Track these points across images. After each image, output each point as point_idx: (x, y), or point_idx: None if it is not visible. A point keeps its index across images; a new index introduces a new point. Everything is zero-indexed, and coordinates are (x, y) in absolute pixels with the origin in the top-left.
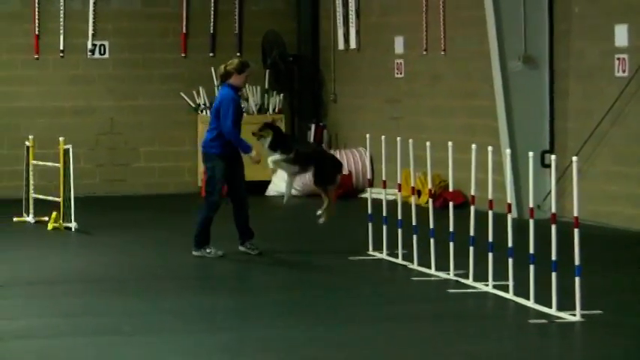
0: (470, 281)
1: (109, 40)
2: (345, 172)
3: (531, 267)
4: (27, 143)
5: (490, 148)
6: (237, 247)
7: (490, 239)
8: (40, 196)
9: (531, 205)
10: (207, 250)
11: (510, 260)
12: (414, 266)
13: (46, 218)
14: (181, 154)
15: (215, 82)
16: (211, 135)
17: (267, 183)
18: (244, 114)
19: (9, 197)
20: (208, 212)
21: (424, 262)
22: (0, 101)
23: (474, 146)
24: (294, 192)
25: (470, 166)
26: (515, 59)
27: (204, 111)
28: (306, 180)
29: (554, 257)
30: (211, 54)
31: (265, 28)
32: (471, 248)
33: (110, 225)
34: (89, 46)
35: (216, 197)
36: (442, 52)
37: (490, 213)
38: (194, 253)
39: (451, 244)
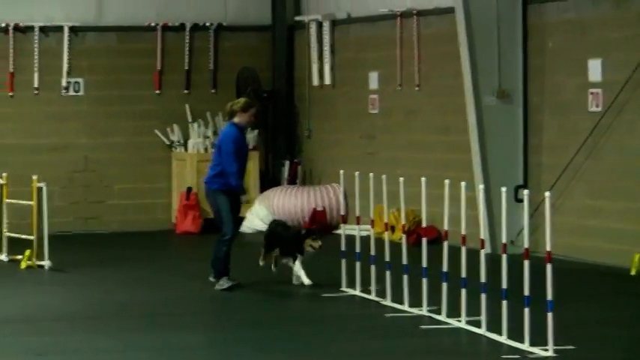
0: (443, 317)
1: (83, 77)
2: (319, 208)
3: (504, 302)
4: (0, 181)
5: (463, 184)
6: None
7: (463, 275)
8: (14, 235)
9: (504, 240)
10: (223, 281)
11: (483, 296)
12: (387, 302)
13: (20, 256)
14: (155, 191)
15: (189, 119)
16: (214, 171)
17: (242, 219)
18: (246, 152)
19: None
20: (224, 246)
21: (397, 298)
22: None
23: (447, 181)
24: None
25: (443, 202)
26: (490, 94)
27: (177, 148)
28: (280, 216)
29: (526, 292)
30: (186, 91)
31: (240, 65)
32: (444, 284)
33: (84, 263)
34: (64, 83)
35: (229, 229)
36: (417, 88)
37: (463, 248)
38: (215, 284)
39: (424, 280)
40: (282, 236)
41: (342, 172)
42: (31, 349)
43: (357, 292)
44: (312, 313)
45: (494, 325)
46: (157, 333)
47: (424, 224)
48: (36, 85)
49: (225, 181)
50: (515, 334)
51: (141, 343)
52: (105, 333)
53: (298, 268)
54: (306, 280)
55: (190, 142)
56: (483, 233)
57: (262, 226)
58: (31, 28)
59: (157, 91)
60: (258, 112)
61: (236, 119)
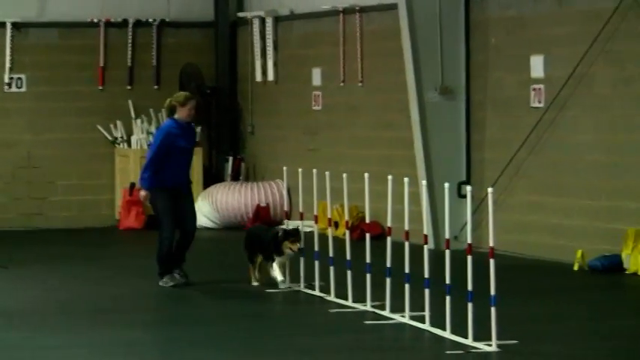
0: (387, 312)
1: (26, 74)
2: (262, 204)
3: (447, 298)
4: None
5: (407, 180)
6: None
7: (407, 270)
8: None
9: (447, 236)
10: (167, 278)
11: (427, 291)
12: (331, 298)
13: None
14: (99, 188)
15: (132, 115)
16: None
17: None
18: (183, 147)
19: None
20: (161, 249)
21: (341, 293)
22: None
23: (390, 177)
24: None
25: (387, 197)
26: (433, 90)
27: (121, 144)
28: (224, 212)
29: (470, 288)
30: (129, 87)
31: (183, 61)
32: (388, 279)
33: (27, 259)
34: (6, 79)
35: (163, 228)
36: (360, 84)
37: (407, 244)
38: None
39: (368, 276)
40: (261, 240)
41: (285, 168)
42: None
43: (301, 288)
44: (255, 309)
45: (437, 321)
46: (99, 330)
47: (367, 220)
48: None
49: (160, 177)
50: (459, 329)
51: (84, 340)
52: (47, 330)
53: (274, 269)
54: (279, 277)
55: (133, 138)
56: (426, 229)
57: (206, 222)
58: None
59: (100, 87)
60: (199, 105)
61: (176, 115)
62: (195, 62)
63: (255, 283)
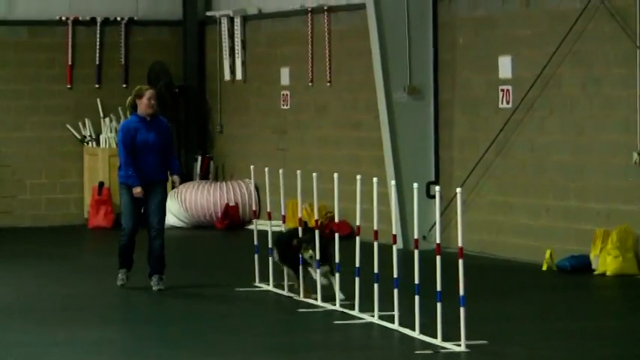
0: (356, 312)
1: None
2: (232, 204)
3: (416, 297)
4: None
5: (375, 179)
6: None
7: (376, 270)
8: None
9: (416, 236)
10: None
11: (396, 291)
12: (300, 298)
13: None
14: (68, 186)
15: (101, 114)
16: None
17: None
18: (145, 141)
19: None
20: (121, 239)
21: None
22: None
23: (358, 177)
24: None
25: (356, 197)
26: (401, 90)
27: (89, 142)
28: (193, 211)
29: (439, 288)
30: (97, 85)
31: (151, 59)
32: (357, 279)
33: None
34: None
35: (124, 222)
36: (328, 84)
37: (375, 244)
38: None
39: (336, 275)
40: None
41: (252, 167)
42: None
43: (270, 287)
44: (224, 308)
45: (407, 320)
46: (66, 328)
47: (337, 220)
48: None
49: (122, 173)
50: (428, 329)
51: (50, 337)
52: (19, 327)
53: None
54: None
55: (102, 137)
56: (395, 229)
57: (175, 222)
58: None
59: (69, 86)
60: (161, 96)
61: (138, 109)
62: (163, 61)
63: (305, 298)
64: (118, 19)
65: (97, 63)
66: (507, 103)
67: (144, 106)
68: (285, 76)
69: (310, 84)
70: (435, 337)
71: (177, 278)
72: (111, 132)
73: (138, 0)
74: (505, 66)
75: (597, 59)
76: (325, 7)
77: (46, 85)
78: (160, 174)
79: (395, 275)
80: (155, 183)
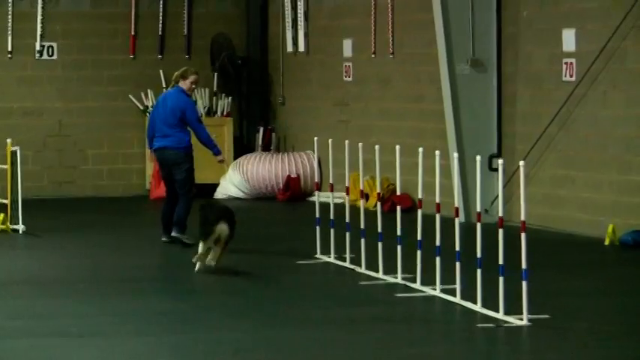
0: (417, 285)
1: (57, 42)
2: (293, 175)
3: (478, 271)
4: None
5: (438, 152)
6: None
7: (438, 243)
8: None
9: (479, 209)
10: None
11: (458, 264)
12: (362, 270)
13: None
14: (130, 157)
15: (163, 84)
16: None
17: (216, 186)
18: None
19: None
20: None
21: (372, 265)
22: None
23: (421, 150)
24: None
25: (418, 170)
26: (464, 62)
27: None
28: (254, 183)
29: (501, 261)
30: (160, 56)
31: (214, 31)
32: (419, 252)
33: (58, 227)
34: (37, 47)
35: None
36: (391, 55)
37: (438, 217)
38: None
39: (399, 248)
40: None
41: (315, 139)
42: (3, 313)
43: (332, 260)
44: (286, 280)
45: (468, 294)
46: (127, 298)
47: (398, 192)
48: (9, 49)
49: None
50: (490, 302)
51: (111, 308)
52: (82, 297)
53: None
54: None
55: None
56: (457, 202)
57: (236, 192)
58: None
59: (131, 56)
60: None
61: (180, 84)
62: (226, 32)
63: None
64: None
65: (160, 34)
66: (570, 76)
67: (186, 87)
68: (347, 47)
69: (373, 56)
70: (497, 310)
71: (239, 250)
72: None
73: None
74: (569, 39)
75: None
76: None
77: (108, 56)
78: None
79: (457, 248)
80: None
